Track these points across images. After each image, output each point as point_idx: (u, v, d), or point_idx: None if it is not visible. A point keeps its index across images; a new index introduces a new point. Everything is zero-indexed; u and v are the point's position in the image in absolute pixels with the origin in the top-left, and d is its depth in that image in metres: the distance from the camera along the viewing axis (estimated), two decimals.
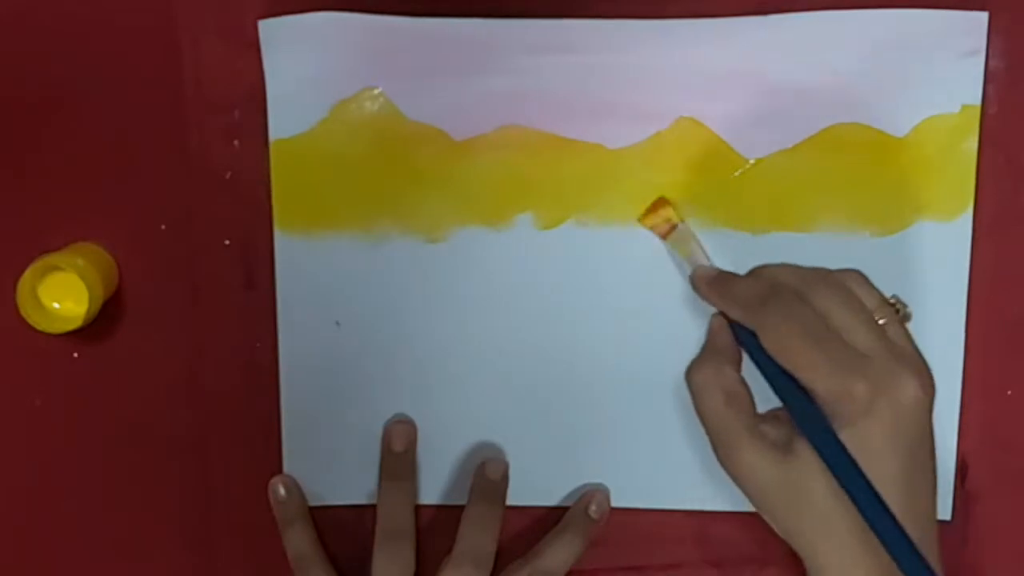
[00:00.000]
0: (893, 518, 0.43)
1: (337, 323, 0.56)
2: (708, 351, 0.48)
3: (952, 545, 0.56)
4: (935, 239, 0.54)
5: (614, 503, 0.56)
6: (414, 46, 0.54)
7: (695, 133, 0.54)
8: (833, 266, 0.54)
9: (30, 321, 0.53)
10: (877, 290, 0.47)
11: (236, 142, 0.55)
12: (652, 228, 0.54)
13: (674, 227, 0.53)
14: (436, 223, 0.55)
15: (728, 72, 0.54)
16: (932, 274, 0.54)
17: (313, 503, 0.56)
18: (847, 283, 0.47)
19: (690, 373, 0.48)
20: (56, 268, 0.53)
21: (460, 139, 0.55)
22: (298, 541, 0.55)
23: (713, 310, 0.50)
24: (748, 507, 0.55)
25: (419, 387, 0.56)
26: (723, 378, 0.47)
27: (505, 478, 0.55)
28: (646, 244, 0.55)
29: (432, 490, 0.56)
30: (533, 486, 0.56)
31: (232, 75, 0.55)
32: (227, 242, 0.56)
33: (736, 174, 0.54)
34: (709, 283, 0.51)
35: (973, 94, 0.53)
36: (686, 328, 0.55)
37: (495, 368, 0.56)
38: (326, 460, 0.56)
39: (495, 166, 0.55)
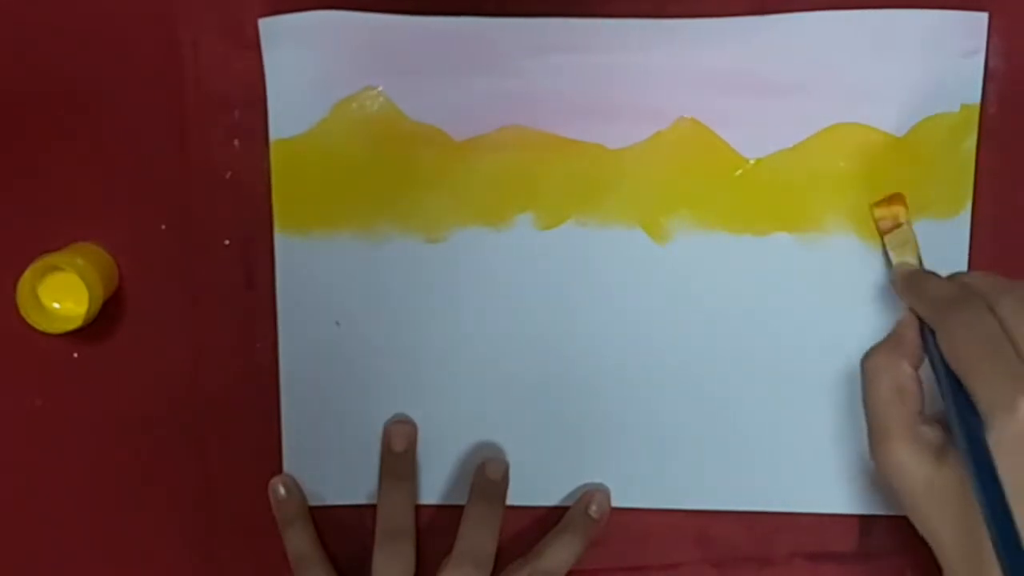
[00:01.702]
0: (1017, 538, 0.41)
1: (337, 323, 0.56)
2: (890, 341, 0.49)
3: None
4: (934, 238, 0.54)
5: (614, 503, 0.56)
6: (415, 45, 0.54)
7: (695, 133, 0.54)
8: (832, 265, 0.54)
9: (30, 321, 0.53)
10: None
11: (236, 142, 0.55)
12: (879, 219, 0.53)
13: (899, 225, 0.53)
14: (436, 223, 0.55)
15: (728, 72, 0.54)
16: None
17: (313, 503, 0.56)
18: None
19: (866, 357, 0.49)
20: (56, 268, 0.53)
21: (460, 139, 0.55)
22: (298, 541, 0.55)
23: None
24: (748, 507, 0.56)
25: (419, 387, 0.56)
26: (897, 370, 0.47)
27: (505, 478, 0.55)
28: (646, 244, 0.55)
29: (432, 490, 0.56)
30: (533, 486, 0.56)
31: (232, 75, 0.55)
32: (227, 242, 0.56)
33: (736, 174, 0.54)
34: (905, 279, 0.51)
35: (973, 94, 0.53)
36: (686, 328, 0.55)
37: (495, 368, 0.56)
38: (326, 460, 0.56)
39: (495, 166, 0.55)
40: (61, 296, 0.53)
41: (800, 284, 0.54)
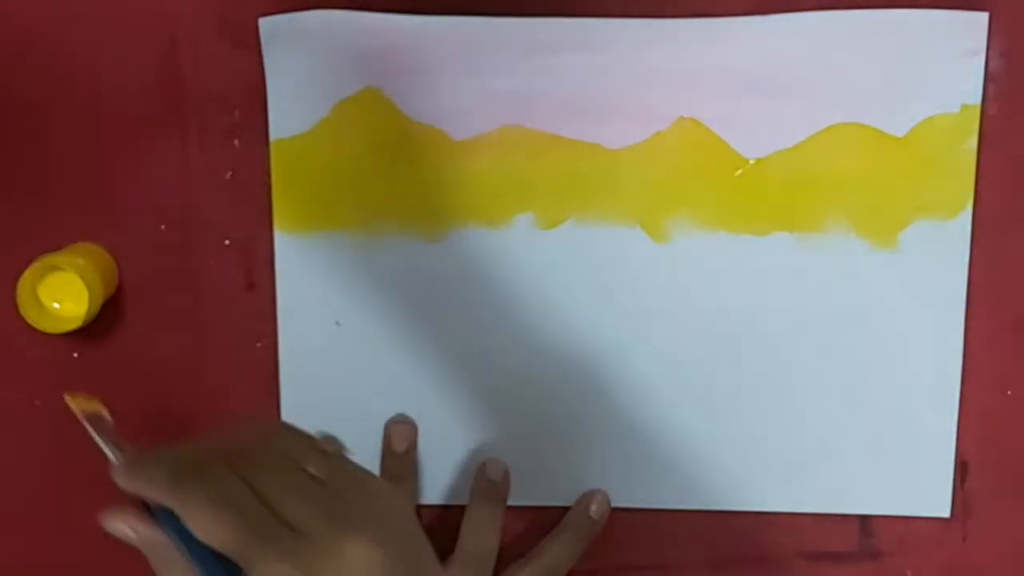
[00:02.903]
0: None
1: (337, 323, 0.56)
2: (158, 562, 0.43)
3: (952, 545, 0.56)
4: (935, 239, 0.54)
5: (614, 503, 0.56)
6: (414, 45, 0.54)
7: (695, 133, 0.54)
8: (832, 267, 0.54)
9: (30, 321, 0.53)
10: (304, 434, 0.44)
11: (236, 142, 0.55)
12: (80, 411, 0.45)
13: (98, 415, 0.46)
14: (436, 223, 0.55)
15: (728, 72, 0.54)
16: (932, 274, 0.54)
17: None
18: (270, 435, 0.43)
19: None
20: (56, 268, 0.53)
21: (460, 139, 0.55)
22: None
23: None
24: (748, 507, 0.56)
25: (419, 387, 0.56)
26: None
27: (506, 478, 0.55)
28: (646, 244, 0.55)
29: (433, 490, 0.56)
30: (533, 486, 0.56)
31: (232, 75, 0.54)
32: (227, 242, 0.56)
33: (736, 174, 0.54)
34: (129, 469, 0.42)
35: (973, 94, 0.53)
36: (686, 328, 0.55)
37: (495, 368, 0.56)
38: None
39: (495, 166, 0.55)
40: (61, 296, 0.53)
41: (800, 284, 0.55)
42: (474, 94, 0.54)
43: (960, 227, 0.54)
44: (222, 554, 0.40)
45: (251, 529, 0.39)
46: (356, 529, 0.40)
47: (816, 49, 0.53)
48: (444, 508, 0.56)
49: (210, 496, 0.40)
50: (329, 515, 0.40)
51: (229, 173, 0.55)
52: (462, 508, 0.55)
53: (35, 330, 0.53)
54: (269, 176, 0.55)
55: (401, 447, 0.55)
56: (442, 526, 0.56)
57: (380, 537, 0.40)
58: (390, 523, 0.42)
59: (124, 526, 0.42)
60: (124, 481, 0.42)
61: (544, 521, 0.56)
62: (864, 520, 0.56)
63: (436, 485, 0.56)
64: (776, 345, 0.55)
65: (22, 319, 0.53)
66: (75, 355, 0.56)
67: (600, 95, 0.54)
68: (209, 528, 0.39)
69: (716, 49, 0.53)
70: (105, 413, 0.45)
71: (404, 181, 0.55)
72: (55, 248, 0.54)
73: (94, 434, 0.44)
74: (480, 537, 0.54)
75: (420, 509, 0.56)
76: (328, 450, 0.43)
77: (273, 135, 0.55)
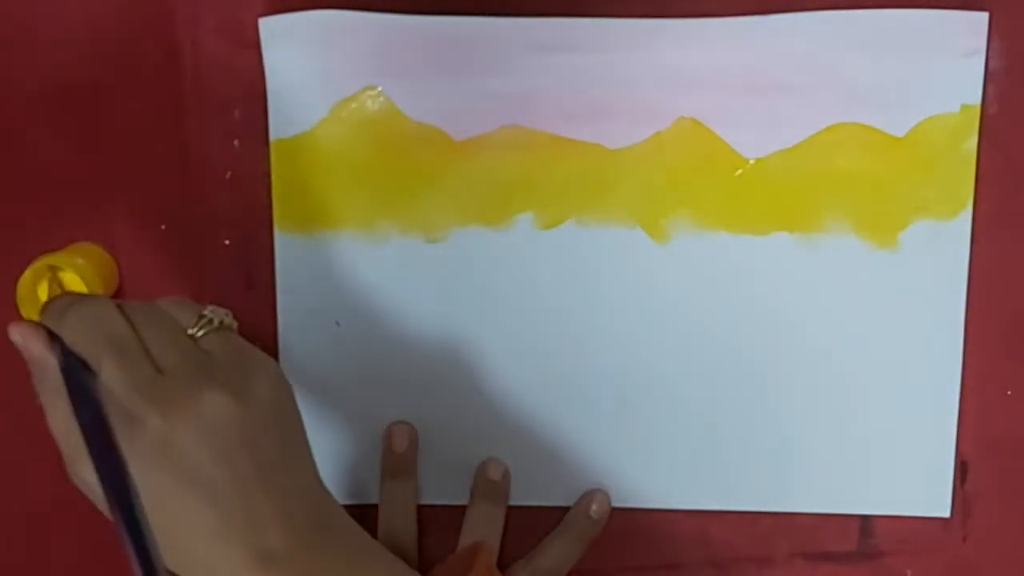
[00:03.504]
0: (147, 548, 0.39)
1: (337, 323, 0.56)
2: (39, 370, 0.44)
3: (952, 545, 0.56)
4: (935, 238, 0.54)
5: (614, 503, 0.56)
6: (414, 45, 0.54)
7: (695, 133, 0.54)
8: (832, 267, 0.54)
9: None
10: (195, 305, 0.45)
11: (236, 142, 0.55)
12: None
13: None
14: (436, 223, 0.55)
15: (728, 72, 0.54)
16: (931, 274, 0.54)
17: None
18: (161, 301, 0.45)
19: (39, 392, 0.44)
20: (56, 268, 0.53)
21: (460, 139, 0.55)
22: None
23: None
24: (748, 507, 0.56)
25: (419, 387, 0.56)
26: (63, 402, 0.42)
27: (506, 478, 0.55)
28: (646, 244, 0.55)
29: (433, 490, 0.56)
30: (533, 486, 0.56)
31: (232, 75, 0.54)
32: (227, 242, 0.56)
33: (736, 174, 0.54)
34: (42, 313, 0.45)
35: (973, 94, 0.53)
36: (686, 328, 0.55)
37: (495, 368, 0.56)
38: (326, 460, 0.56)
39: (495, 166, 0.55)
40: None
41: (800, 284, 0.55)
42: (474, 94, 0.54)
43: (960, 227, 0.54)
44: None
45: (121, 362, 0.41)
46: (219, 384, 0.42)
47: (816, 49, 0.53)
48: (444, 508, 0.56)
49: (89, 317, 0.42)
50: (196, 366, 0.42)
51: (229, 173, 0.55)
52: (462, 508, 0.55)
53: None
54: (269, 176, 0.55)
55: (401, 447, 0.55)
56: (442, 526, 0.56)
57: (243, 400, 0.41)
58: (260, 392, 0.43)
59: (21, 338, 0.44)
60: (16, 333, 0.44)
61: (544, 521, 0.56)
62: (864, 520, 0.56)
63: (436, 485, 0.56)
64: (776, 345, 0.55)
65: (22, 319, 0.53)
66: None
67: (600, 95, 0.54)
68: (84, 347, 0.42)
69: (716, 49, 0.53)
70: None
71: (404, 181, 0.55)
72: (55, 248, 0.54)
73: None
74: (480, 537, 0.54)
75: (420, 509, 0.56)
76: (213, 318, 0.44)
77: (273, 135, 0.55)
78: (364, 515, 0.56)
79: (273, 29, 0.54)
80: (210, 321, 0.44)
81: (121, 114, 0.55)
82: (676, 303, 0.55)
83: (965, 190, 0.54)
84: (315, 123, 0.54)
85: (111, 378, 0.41)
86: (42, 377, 0.44)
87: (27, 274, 0.53)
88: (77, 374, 0.42)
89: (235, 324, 0.46)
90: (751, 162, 0.54)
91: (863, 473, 0.55)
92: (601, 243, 0.55)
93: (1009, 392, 0.55)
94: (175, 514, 0.41)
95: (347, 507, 0.56)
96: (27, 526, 0.57)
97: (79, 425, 0.41)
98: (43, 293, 0.53)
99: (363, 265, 0.55)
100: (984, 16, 0.53)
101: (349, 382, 0.56)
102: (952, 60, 0.53)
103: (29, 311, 0.53)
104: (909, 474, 0.55)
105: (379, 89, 0.54)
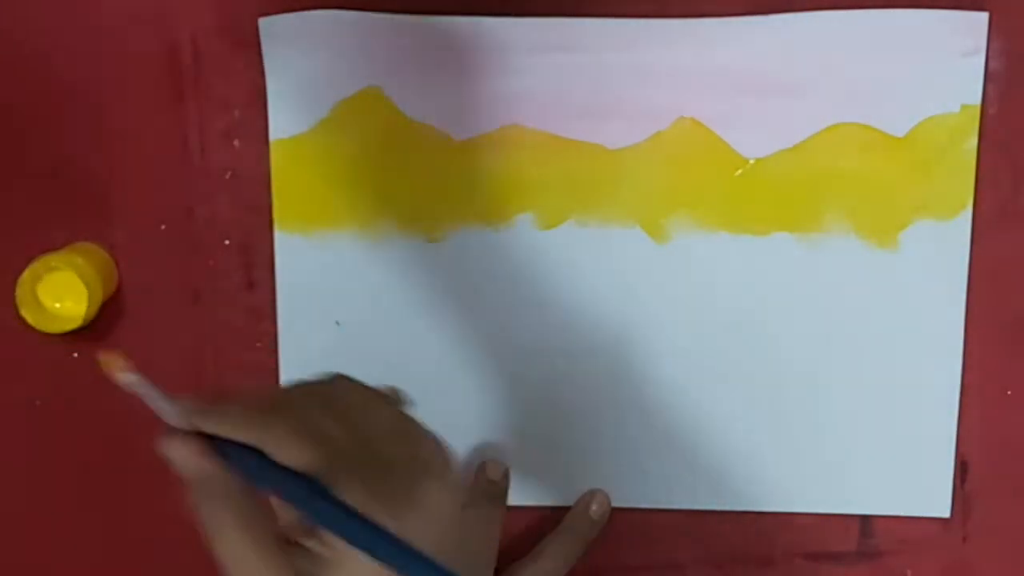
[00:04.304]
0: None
1: (337, 323, 0.56)
2: (200, 485, 0.40)
3: (952, 545, 0.56)
4: (935, 239, 0.54)
5: (614, 503, 0.56)
6: (414, 45, 0.54)
7: (695, 133, 0.54)
8: (832, 267, 0.54)
9: (30, 321, 0.53)
10: (372, 388, 0.43)
11: (236, 142, 0.55)
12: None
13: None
14: (436, 223, 0.55)
15: (728, 72, 0.54)
16: (931, 274, 0.54)
17: None
18: (349, 388, 0.42)
19: (201, 513, 0.40)
20: (56, 268, 0.53)
21: (460, 139, 0.55)
22: None
23: None
24: (748, 507, 0.56)
25: (419, 387, 0.56)
26: (236, 508, 0.39)
27: (506, 478, 0.55)
28: (646, 244, 0.55)
29: None
30: (533, 486, 0.56)
31: (232, 75, 0.55)
32: (227, 242, 0.56)
33: (736, 174, 0.54)
34: (199, 411, 0.40)
35: (973, 94, 0.53)
36: (686, 327, 0.55)
37: (495, 368, 0.56)
38: None
39: (495, 166, 0.55)
40: (61, 296, 0.53)
41: (800, 284, 0.55)
42: (474, 94, 0.54)
43: (960, 227, 0.54)
44: (300, 476, 0.38)
45: (339, 453, 0.38)
46: (436, 473, 0.40)
47: (816, 49, 0.53)
48: None
49: (299, 425, 0.38)
50: (412, 453, 0.40)
51: (229, 173, 0.55)
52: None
53: (35, 330, 0.53)
54: (269, 176, 0.55)
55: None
56: None
57: (453, 488, 0.41)
58: (455, 480, 0.41)
59: (184, 452, 0.40)
60: (191, 420, 0.40)
61: (544, 521, 0.56)
62: (864, 520, 0.56)
63: None
64: (776, 345, 0.55)
65: (22, 319, 0.53)
66: (75, 355, 0.56)
67: (600, 95, 0.54)
68: (294, 453, 0.38)
69: (716, 49, 0.53)
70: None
71: (404, 181, 0.55)
72: (55, 248, 0.54)
73: (140, 386, 0.42)
74: (480, 537, 0.54)
75: None
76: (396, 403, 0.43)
77: (273, 135, 0.55)
78: None
79: (273, 29, 0.54)
80: (393, 406, 0.43)
81: (121, 114, 0.55)
82: (676, 303, 0.55)
83: (965, 190, 0.54)
84: (315, 123, 0.54)
85: (337, 472, 0.38)
86: (204, 487, 0.40)
87: (27, 274, 0.53)
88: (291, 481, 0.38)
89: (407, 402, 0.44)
90: (751, 162, 0.54)
91: (863, 473, 0.55)
92: (601, 243, 0.55)
93: (1009, 392, 0.55)
94: None
95: None
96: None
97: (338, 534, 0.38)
98: (43, 293, 0.53)
99: (363, 265, 0.55)
100: (984, 16, 0.53)
101: None
102: (952, 60, 0.53)
103: (29, 311, 0.53)
104: (909, 474, 0.55)
105: (379, 89, 0.54)
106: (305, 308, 0.56)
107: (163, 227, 0.56)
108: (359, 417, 0.40)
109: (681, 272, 0.55)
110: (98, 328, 0.55)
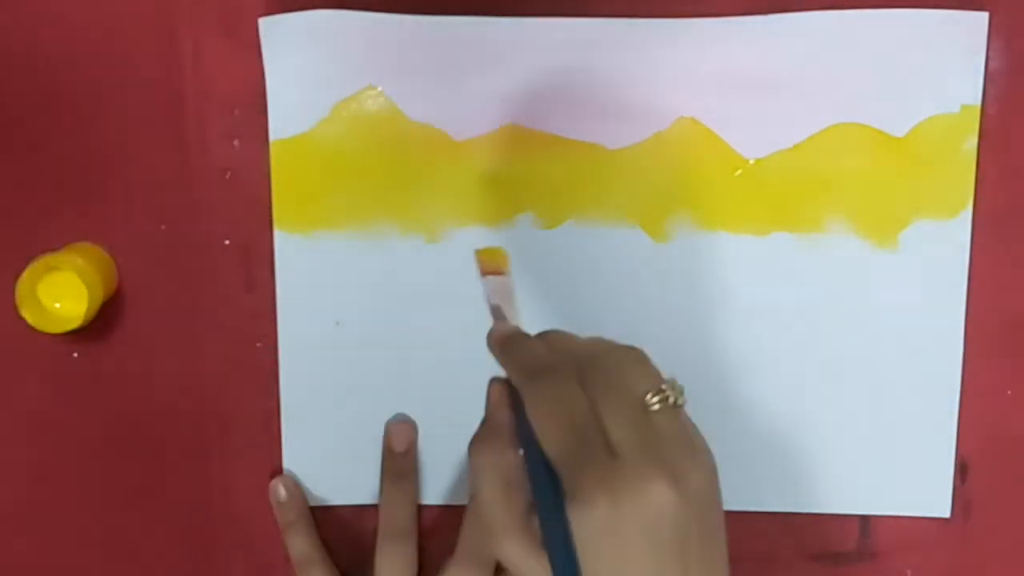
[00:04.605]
0: None
1: (337, 323, 0.56)
2: (489, 427, 0.45)
3: (952, 545, 0.56)
4: (935, 239, 0.54)
5: None
6: (415, 45, 0.54)
7: (695, 133, 0.54)
8: (832, 267, 0.54)
9: (30, 321, 0.53)
10: (656, 370, 0.44)
11: (236, 142, 0.55)
12: (481, 260, 0.49)
13: (500, 273, 0.49)
14: (436, 223, 0.55)
15: (728, 72, 0.54)
16: (932, 274, 0.54)
17: (314, 503, 0.56)
18: (625, 363, 0.44)
19: (472, 452, 0.44)
20: (56, 268, 0.52)
21: (460, 139, 0.55)
22: (300, 543, 0.55)
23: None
24: (748, 507, 0.56)
25: (419, 387, 0.56)
26: (503, 464, 0.43)
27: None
28: (646, 244, 0.55)
29: (433, 490, 0.56)
30: None
31: (232, 75, 0.55)
32: (227, 242, 0.56)
33: (736, 174, 0.54)
34: (501, 342, 0.46)
35: (973, 94, 0.53)
36: (685, 327, 0.55)
37: (496, 368, 0.55)
38: (326, 460, 0.56)
39: (495, 166, 0.55)
40: (61, 296, 0.53)
41: (800, 284, 0.55)
42: (474, 94, 0.54)
43: (960, 227, 0.54)
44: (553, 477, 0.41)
45: (578, 441, 0.41)
46: (665, 474, 0.40)
47: (816, 49, 0.53)
48: (444, 508, 0.56)
49: (551, 398, 0.42)
50: (646, 449, 0.41)
51: (229, 173, 0.55)
52: (462, 508, 0.55)
53: (35, 330, 0.53)
54: (269, 176, 0.55)
55: (401, 447, 0.55)
56: (442, 526, 0.56)
57: (682, 490, 0.41)
58: (696, 483, 0.42)
59: (496, 389, 0.46)
60: (496, 349, 0.46)
61: None
62: (864, 520, 0.56)
63: (436, 485, 0.56)
64: (775, 345, 0.55)
65: (22, 319, 0.53)
66: (75, 355, 0.56)
67: (600, 95, 0.54)
68: (543, 427, 0.41)
69: (716, 49, 0.53)
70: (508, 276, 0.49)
71: (404, 181, 0.55)
72: (55, 248, 0.54)
73: (486, 290, 0.48)
74: (480, 537, 0.54)
75: (420, 509, 0.56)
76: (669, 395, 0.43)
77: (273, 135, 0.55)
78: (364, 515, 0.56)
79: (273, 29, 0.54)
80: (666, 398, 0.43)
81: (121, 114, 0.55)
82: (676, 303, 0.55)
83: (965, 190, 0.54)
84: (315, 123, 0.54)
85: (565, 457, 0.41)
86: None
87: (27, 274, 0.53)
88: (536, 455, 0.42)
89: (685, 402, 0.44)
90: (751, 162, 0.54)
91: (863, 473, 0.55)
92: (601, 243, 0.55)
93: (1009, 392, 0.55)
94: None
95: (347, 507, 0.56)
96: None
97: (535, 500, 0.42)
98: (43, 293, 0.53)
99: (363, 265, 0.55)
100: (984, 16, 0.53)
101: (349, 382, 0.56)
102: (952, 60, 0.53)
103: (29, 311, 0.53)
104: (909, 474, 0.55)
105: (379, 89, 0.54)
106: (305, 308, 0.55)
107: (163, 227, 0.56)
108: (616, 401, 0.42)
109: (681, 272, 0.55)
110: (98, 328, 0.55)
